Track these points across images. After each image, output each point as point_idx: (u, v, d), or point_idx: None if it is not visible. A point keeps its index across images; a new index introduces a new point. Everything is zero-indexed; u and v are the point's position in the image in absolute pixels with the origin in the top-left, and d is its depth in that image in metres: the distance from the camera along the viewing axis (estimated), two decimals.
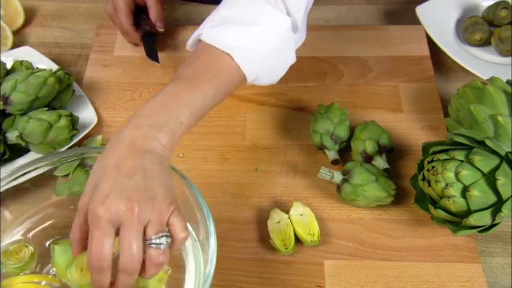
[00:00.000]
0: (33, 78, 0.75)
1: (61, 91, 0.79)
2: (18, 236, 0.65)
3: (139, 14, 0.90)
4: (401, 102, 0.85)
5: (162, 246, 0.51)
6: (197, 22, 0.99)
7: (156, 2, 0.89)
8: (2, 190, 0.63)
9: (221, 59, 0.63)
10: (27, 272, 0.62)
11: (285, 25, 0.66)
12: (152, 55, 0.87)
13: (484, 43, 0.91)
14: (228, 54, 0.62)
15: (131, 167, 0.51)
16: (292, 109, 0.84)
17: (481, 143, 0.63)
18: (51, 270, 0.62)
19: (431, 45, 0.92)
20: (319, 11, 1.00)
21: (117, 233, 0.50)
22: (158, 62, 0.87)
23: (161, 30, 0.90)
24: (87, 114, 0.81)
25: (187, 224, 0.66)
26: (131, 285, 0.51)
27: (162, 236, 0.51)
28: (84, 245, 0.52)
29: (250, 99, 0.85)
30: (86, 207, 0.51)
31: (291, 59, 0.70)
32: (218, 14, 0.66)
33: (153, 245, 0.50)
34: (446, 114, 0.81)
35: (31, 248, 0.63)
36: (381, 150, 0.74)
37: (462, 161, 0.62)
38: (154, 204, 0.50)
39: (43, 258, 0.63)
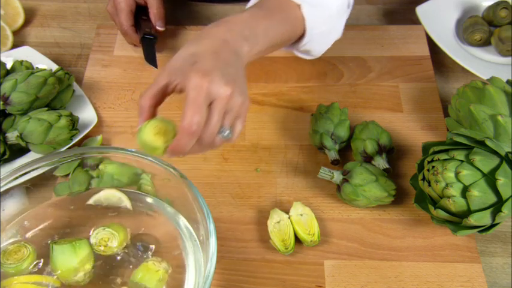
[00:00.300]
0: (33, 78, 0.75)
1: (61, 91, 0.79)
2: (17, 236, 0.65)
3: (140, 14, 0.90)
4: (401, 102, 0.85)
5: (221, 138, 0.57)
6: (198, 22, 1.00)
7: (157, 1, 0.89)
8: (2, 190, 0.63)
9: (290, 7, 0.68)
10: (27, 272, 0.62)
11: None
12: (150, 59, 0.87)
13: (484, 43, 0.91)
14: (298, 4, 0.68)
15: (228, 58, 0.58)
16: (292, 109, 0.84)
17: (481, 143, 0.63)
18: (50, 270, 0.62)
19: (431, 45, 0.92)
20: None
21: None
22: (156, 66, 0.86)
23: (161, 29, 0.89)
24: (87, 114, 0.81)
25: (188, 224, 0.66)
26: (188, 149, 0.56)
27: (230, 132, 0.58)
28: (152, 112, 0.58)
29: (251, 99, 0.85)
30: (165, 81, 0.57)
31: (340, 33, 0.76)
32: None
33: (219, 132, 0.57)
34: (446, 114, 0.81)
35: (30, 249, 0.63)
36: (381, 150, 0.74)
37: (462, 161, 0.62)
38: (240, 100, 0.56)
39: (43, 258, 0.63)
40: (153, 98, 0.58)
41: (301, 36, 0.71)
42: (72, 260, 0.61)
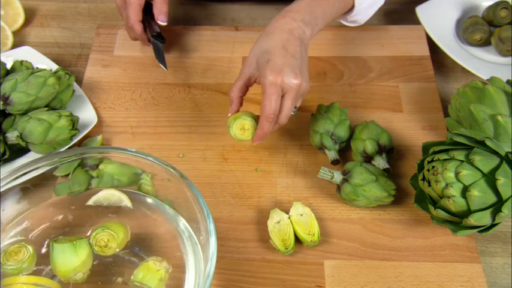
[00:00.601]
0: (33, 78, 0.75)
1: (61, 91, 0.79)
2: (17, 236, 0.65)
3: (149, 14, 0.88)
4: (401, 102, 0.85)
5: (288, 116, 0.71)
6: (198, 22, 1.00)
7: None
8: (2, 190, 0.63)
9: None
10: (26, 273, 0.62)
11: None
12: (160, 59, 0.86)
13: (484, 43, 0.91)
14: None
15: (295, 51, 0.69)
16: None
17: (481, 143, 0.63)
18: (49, 270, 0.63)
19: (431, 45, 0.92)
20: None
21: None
22: (166, 67, 0.85)
23: (163, 23, 0.86)
24: (87, 114, 0.81)
25: (188, 224, 0.66)
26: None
27: (296, 109, 0.74)
28: (240, 102, 0.73)
29: (250, 99, 0.85)
30: (247, 76, 0.71)
31: (383, 1, 0.84)
32: None
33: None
34: (446, 114, 0.81)
35: (30, 249, 0.63)
36: (381, 150, 0.74)
37: (462, 161, 0.62)
38: (305, 86, 0.69)
39: (43, 259, 0.63)
40: (240, 90, 0.72)
41: (350, 9, 0.80)
42: (72, 259, 0.61)
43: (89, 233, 0.65)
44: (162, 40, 0.87)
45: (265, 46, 0.70)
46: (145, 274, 0.61)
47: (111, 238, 0.64)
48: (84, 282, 0.62)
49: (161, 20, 0.86)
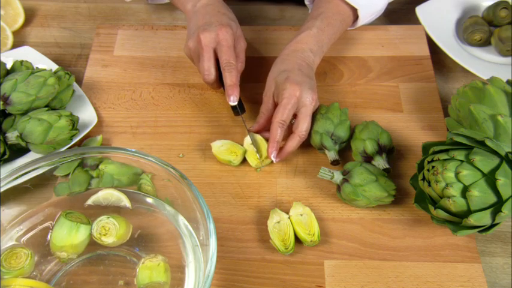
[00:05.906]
0: (33, 78, 0.75)
1: (61, 91, 0.79)
2: (17, 236, 0.65)
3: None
4: (401, 102, 0.85)
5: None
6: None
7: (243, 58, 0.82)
8: (2, 190, 0.63)
9: (345, 9, 0.84)
10: (25, 275, 0.62)
11: None
12: (239, 108, 0.80)
13: (484, 43, 0.91)
14: (356, 8, 0.83)
15: (308, 72, 0.75)
16: None
17: (481, 143, 0.63)
18: (48, 270, 0.63)
19: (431, 45, 0.92)
20: None
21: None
22: (244, 111, 0.81)
23: (233, 104, 0.78)
24: (87, 114, 0.81)
25: (188, 224, 0.66)
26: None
27: None
28: (269, 117, 0.75)
29: (251, 98, 0.85)
30: (271, 99, 0.75)
31: (382, 11, 0.90)
32: None
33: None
34: (446, 114, 0.81)
35: (29, 258, 0.63)
36: (381, 150, 0.74)
37: (462, 161, 0.62)
38: (317, 105, 0.76)
39: (43, 258, 0.63)
40: (268, 115, 0.76)
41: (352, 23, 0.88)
42: (65, 237, 0.63)
43: (94, 225, 0.66)
44: (242, 110, 0.81)
45: (282, 68, 0.75)
46: (150, 273, 0.61)
47: (113, 228, 0.64)
48: (64, 262, 0.64)
49: (232, 101, 0.78)
